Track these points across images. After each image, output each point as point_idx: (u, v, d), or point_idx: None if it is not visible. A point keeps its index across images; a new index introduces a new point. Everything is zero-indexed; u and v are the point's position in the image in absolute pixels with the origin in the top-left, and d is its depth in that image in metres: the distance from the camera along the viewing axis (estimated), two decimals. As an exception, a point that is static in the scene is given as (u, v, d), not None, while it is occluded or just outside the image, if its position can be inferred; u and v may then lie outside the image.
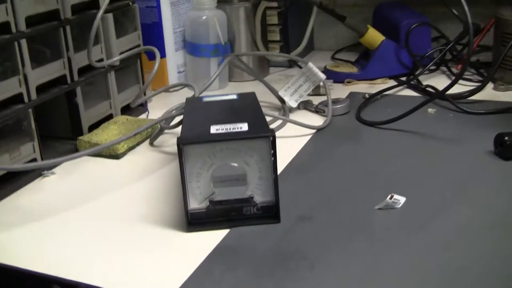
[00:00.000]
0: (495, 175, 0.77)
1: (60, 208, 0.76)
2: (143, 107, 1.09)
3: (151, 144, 0.95)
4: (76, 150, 0.93)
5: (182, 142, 0.65)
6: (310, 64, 1.00)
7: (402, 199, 0.72)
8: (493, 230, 0.65)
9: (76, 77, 0.92)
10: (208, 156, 0.67)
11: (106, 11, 0.95)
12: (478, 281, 0.56)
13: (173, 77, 1.20)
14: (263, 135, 0.66)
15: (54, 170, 0.87)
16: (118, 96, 1.02)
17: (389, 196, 0.71)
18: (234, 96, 0.83)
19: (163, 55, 1.17)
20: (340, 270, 0.59)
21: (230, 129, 0.68)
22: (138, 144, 0.94)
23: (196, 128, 0.71)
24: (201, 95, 0.93)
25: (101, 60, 0.97)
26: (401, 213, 0.69)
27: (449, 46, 1.17)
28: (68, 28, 0.90)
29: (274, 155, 0.66)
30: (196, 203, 0.68)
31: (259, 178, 0.68)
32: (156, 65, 0.93)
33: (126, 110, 1.05)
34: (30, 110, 0.84)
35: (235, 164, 0.67)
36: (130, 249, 0.66)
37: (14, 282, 0.65)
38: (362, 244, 0.63)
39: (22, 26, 0.82)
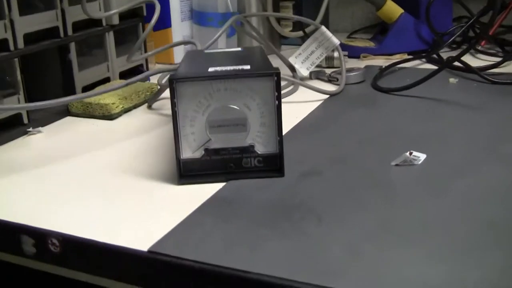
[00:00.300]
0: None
1: (43, 163, 0.69)
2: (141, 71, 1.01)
3: (149, 107, 0.88)
4: (67, 111, 0.86)
5: (174, 78, 0.58)
6: (323, 28, 0.93)
7: (422, 156, 0.64)
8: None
9: (70, 32, 0.85)
10: (204, 97, 0.59)
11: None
12: (499, 241, 0.48)
13: (178, 48, 1.13)
14: (266, 73, 0.59)
15: (41, 128, 0.80)
16: (117, 60, 0.95)
17: (408, 152, 0.63)
18: (239, 49, 0.76)
19: (168, 25, 1.11)
20: (349, 224, 0.51)
21: (231, 70, 0.61)
22: (135, 107, 0.87)
23: (192, 69, 0.63)
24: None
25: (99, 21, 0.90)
26: (420, 170, 0.61)
27: (471, 20, 1.09)
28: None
29: (279, 97, 0.59)
30: (189, 152, 0.61)
31: (260, 124, 0.60)
32: (155, 15, 0.85)
33: (126, 75, 0.98)
34: (16, 59, 0.77)
35: (235, 107, 0.59)
36: (111, 201, 0.58)
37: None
38: (376, 199, 0.55)
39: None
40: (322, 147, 0.69)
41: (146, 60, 1.02)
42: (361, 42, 1.14)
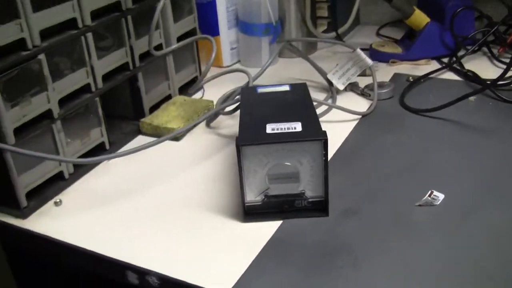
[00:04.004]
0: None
1: (127, 191, 0.85)
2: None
3: (208, 125, 1.02)
4: (138, 130, 1.00)
5: (240, 143, 0.72)
6: (359, 50, 1.06)
7: (441, 196, 0.78)
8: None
9: (137, 63, 0.99)
10: (264, 155, 0.73)
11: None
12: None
13: (226, 54, 1.27)
14: (316, 139, 0.72)
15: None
16: (176, 76, 1.09)
17: (429, 192, 0.77)
18: (287, 88, 0.89)
19: (216, 33, 1.24)
20: (381, 268, 0.66)
21: (285, 129, 0.75)
22: (195, 125, 1.01)
23: (252, 127, 0.77)
24: (254, 82, 1.00)
25: (159, 45, 1.03)
26: (439, 211, 0.76)
27: (494, 29, 1.20)
28: (129, 17, 0.96)
29: (326, 155, 0.73)
30: (252, 197, 0.76)
31: (310, 175, 0.75)
32: (213, 56, 1.00)
33: (183, 88, 1.12)
34: (97, 98, 0.91)
35: (289, 164, 0.74)
36: (192, 237, 0.74)
37: (91, 264, 0.74)
38: (403, 242, 0.70)
39: (88, 21, 0.88)
40: (357, 182, 0.83)
41: (200, 70, 1.16)
42: (390, 47, 1.26)
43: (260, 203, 0.76)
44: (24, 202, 0.80)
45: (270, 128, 0.75)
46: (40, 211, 0.82)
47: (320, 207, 0.76)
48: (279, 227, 0.75)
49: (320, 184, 0.75)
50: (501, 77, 0.96)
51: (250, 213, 0.76)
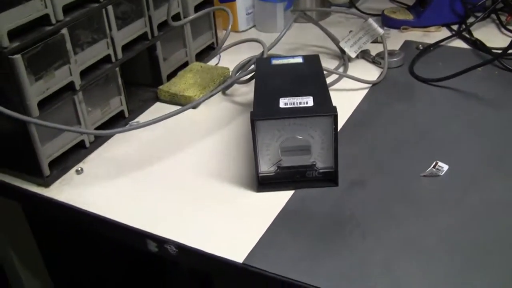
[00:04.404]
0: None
1: (145, 159, 0.89)
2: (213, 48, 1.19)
3: (223, 93, 1.06)
4: (156, 97, 1.04)
5: (255, 118, 0.76)
6: (370, 20, 1.08)
7: (445, 167, 0.81)
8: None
9: (156, 33, 1.02)
10: (277, 129, 0.77)
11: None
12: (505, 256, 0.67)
13: (242, 19, 1.30)
14: (327, 114, 0.76)
15: (138, 118, 0.99)
16: (193, 43, 1.12)
17: (434, 163, 0.81)
18: (300, 60, 0.92)
19: (233, -1, 1.27)
20: (386, 240, 0.70)
21: (297, 103, 0.78)
22: (212, 92, 1.04)
23: (266, 101, 0.80)
24: (269, 52, 1.03)
25: (177, 14, 1.06)
26: (442, 182, 0.80)
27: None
28: (149, -12, 0.99)
29: (336, 129, 0.76)
30: (265, 168, 0.80)
31: (321, 148, 0.79)
32: (229, 27, 1.03)
33: (199, 55, 1.15)
34: (117, 69, 0.94)
35: (301, 137, 0.77)
36: (208, 207, 0.79)
37: (112, 232, 0.79)
38: (407, 213, 0.74)
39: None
40: (365, 152, 0.87)
41: (216, 37, 1.19)
42: (401, 14, 1.28)
43: (273, 173, 0.80)
44: (47, 171, 0.85)
45: (283, 102, 0.79)
46: (62, 180, 0.86)
47: (330, 178, 0.80)
48: (291, 197, 0.79)
49: (330, 156, 0.79)
50: (508, 49, 0.98)
51: (263, 183, 0.81)
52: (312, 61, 0.92)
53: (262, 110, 0.78)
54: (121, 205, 0.80)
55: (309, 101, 0.78)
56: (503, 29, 1.22)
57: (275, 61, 0.93)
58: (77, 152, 0.90)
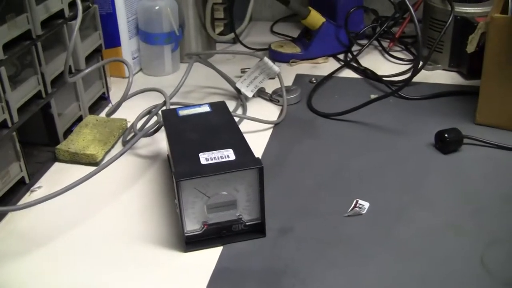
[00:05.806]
0: (439, 170, 0.90)
1: (55, 230, 0.82)
2: (105, 100, 1.14)
3: (124, 144, 1.02)
4: (54, 157, 0.99)
5: (179, 179, 0.74)
6: (266, 59, 1.09)
7: (366, 204, 0.83)
8: (447, 231, 0.78)
9: (49, 90, 0.97)
10: (202, 187, 0.75)
11: (70, 18, 0.99)
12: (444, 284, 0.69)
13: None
14: (253, 168, 0.75)
15: (40, 183, 0.93)
16: (85, 95, 1.08)
17: (354, 202, 0.83)
18: (207, 108, 0.91)
19: (118, 43, 1.23)
20: (329, 285, 0.70)
21: (218, 157, 0.77)
22: (112, 146, 1.01)
23: (186, 158, 0.78)
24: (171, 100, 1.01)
25: (70, 69, 1.01)
26: (368, 219, 0.81)
27: (384, 27, 1.28)
28: (39, 44, 0.93)
29: (262, 181, 0.76)
30: (191, 227, 0.78)
31: (247, 200, 0.77)
32: (131, 78, 0.99)
33: (92, 107, 1.11)
34: (14, 133, 0.88)
35: (226, 193, 0.76)
36: (132, 274, 0.74)
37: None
38: (340, 256, 0.75)
39: (0, 55, 0.84)
40: (285, 197, 0.87)
41: (107, 86, 1.15)
42: (288, 47, 1.30)
43: (199, 231, 0.78)
44: None
45: (203, 158, 0.77)
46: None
47: (257, 229, 0.79)
48: (221, 254, 0.77)
49: (257, 208, 0.78)
50: (406, 84, 1.02)
51: (190, 242, 0.78)
52: (220, 108, 0.91)
53: (184, 169, 0.76)
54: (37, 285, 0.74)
55: (230, 155, 0.77)
56: (386, 55, 1.27)
57: (182, 112, 0.91)
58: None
